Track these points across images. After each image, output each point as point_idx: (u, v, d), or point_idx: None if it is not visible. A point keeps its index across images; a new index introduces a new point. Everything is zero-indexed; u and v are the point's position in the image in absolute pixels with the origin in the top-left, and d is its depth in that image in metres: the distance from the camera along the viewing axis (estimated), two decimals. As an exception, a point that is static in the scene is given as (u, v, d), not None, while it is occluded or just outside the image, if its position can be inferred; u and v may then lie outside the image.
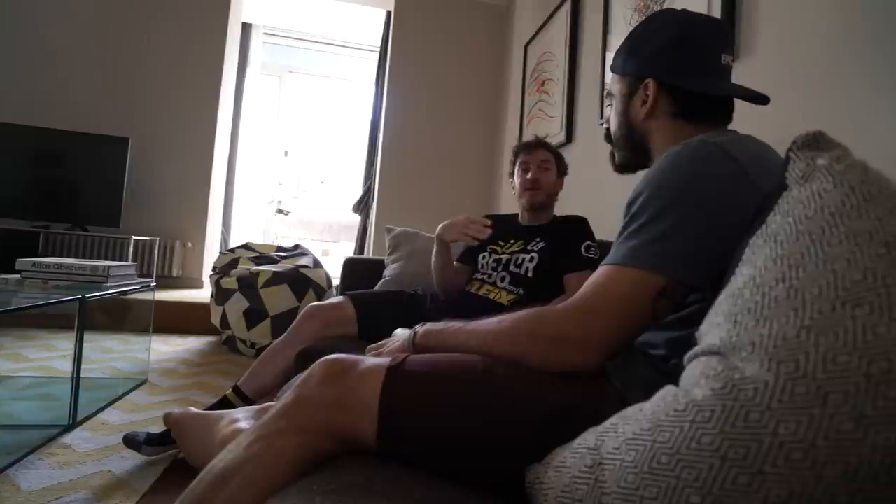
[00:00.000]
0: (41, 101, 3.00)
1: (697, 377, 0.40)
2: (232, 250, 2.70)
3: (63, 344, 2.21)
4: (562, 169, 1.55)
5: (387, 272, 1.94)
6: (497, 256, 1.46)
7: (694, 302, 0.58)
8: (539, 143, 1.54)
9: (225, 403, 1.29)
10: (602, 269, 0.60)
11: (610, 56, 1.24)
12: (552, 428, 0.53)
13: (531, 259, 1.39)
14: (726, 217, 0.55)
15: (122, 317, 2.53)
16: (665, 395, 0.42)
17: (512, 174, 1.57)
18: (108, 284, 1.60)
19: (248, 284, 2.33)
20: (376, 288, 1.86)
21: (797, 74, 1.11)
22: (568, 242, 1.39)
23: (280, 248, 2.80)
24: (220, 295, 2.38)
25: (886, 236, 0.36)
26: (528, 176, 1.48)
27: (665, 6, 1.61)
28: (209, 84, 3.29)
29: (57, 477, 1.09)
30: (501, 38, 3.52)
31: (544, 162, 1.50)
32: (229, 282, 2.37)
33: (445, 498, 0.51)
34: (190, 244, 3.27)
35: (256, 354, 2.09)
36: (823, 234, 0.38)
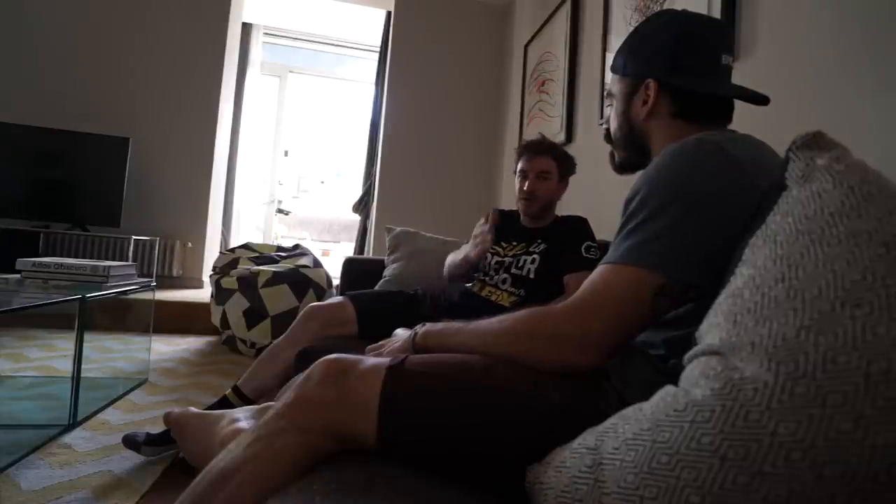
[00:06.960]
0: (41, 101, 3.00)
1: (697, 377, 0.40)
2: (232, 250, 2.70)
3: (63, 344, 2.20)
4: (565, 172, 1.49)
5: (387, 272, 1.95)
6: (499, 259, 1.46)
7: (692, 300, 0.58)
8: (542, 149, 1.47)
9: (224, 403, 1.29)
10: (600, 269, 0.60)
11: (610, 56, 1.24)
12: (552, 428, 0.53)
13: (532, 260, 1.39)
14: (724, 215, 0.55)
15: (122, 317, 2.53)
16: (665, 395, 0.42)
17: (515, 172, 1.52)
18: (108, 284, 1.60)
19: (248, 284, 2.33)
20: (376, 288, 1.86)
21: (797, 74, 1.11)
22: (568, 243, 1.38)
23: (280, 248, 2.80)
24: (220, 295, 2.39)
25: (886, 236, 0.36)
26: (525, 187, 1.44)
27: (665, 6, 1.61)
28: (209, 84, 3.28)
29: (57, 477, 1.09)
30: (501, 38, 3.52)
31: (543, 172, 1.44)
32: (229, 282, 2.37)
33: (445, 498, 0.51)
34: (190, 244, 3.27)
35: (256, 354, 2.09)
36: (823, 235, 0.38)
